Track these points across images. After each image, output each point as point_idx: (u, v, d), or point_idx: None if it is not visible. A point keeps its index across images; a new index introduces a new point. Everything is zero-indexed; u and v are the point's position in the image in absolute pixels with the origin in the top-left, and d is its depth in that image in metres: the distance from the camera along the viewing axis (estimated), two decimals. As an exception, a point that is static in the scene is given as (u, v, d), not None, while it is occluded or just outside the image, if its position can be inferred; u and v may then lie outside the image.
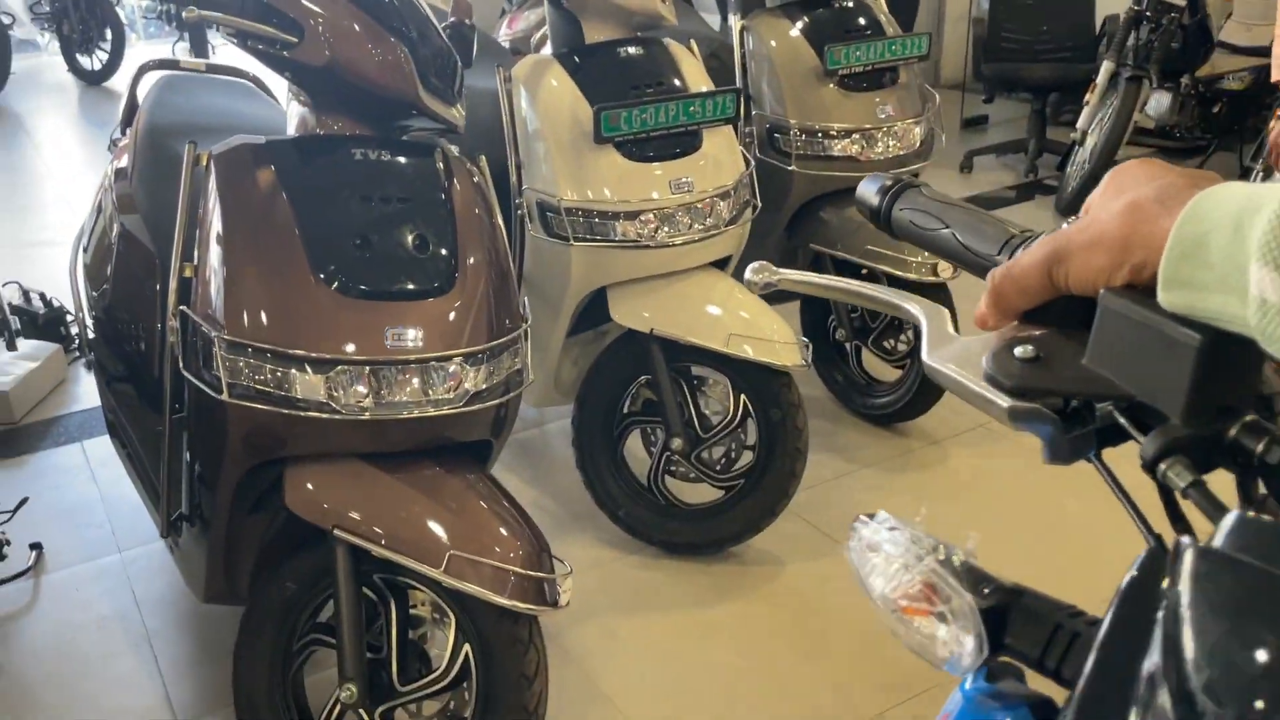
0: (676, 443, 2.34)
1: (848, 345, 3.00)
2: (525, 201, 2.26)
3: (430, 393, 1.61)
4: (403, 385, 1.59)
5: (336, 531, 1.59)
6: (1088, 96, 4.57)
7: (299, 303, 1.56)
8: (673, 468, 2.46)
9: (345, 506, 1.60)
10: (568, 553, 2.06)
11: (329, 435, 1.59)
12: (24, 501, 2.57)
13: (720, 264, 2.40)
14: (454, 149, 1.85)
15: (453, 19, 2.05)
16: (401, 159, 1.72)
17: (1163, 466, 0.51)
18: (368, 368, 1.56)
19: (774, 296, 3.11)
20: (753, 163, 2.39)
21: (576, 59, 2.25)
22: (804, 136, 2.71)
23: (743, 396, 2.37)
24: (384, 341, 1.57)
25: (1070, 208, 4.59)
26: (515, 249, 2.35)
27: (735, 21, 2.80)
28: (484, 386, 1.67)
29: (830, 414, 3.07)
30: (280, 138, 1.70)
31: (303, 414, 1.55)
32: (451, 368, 1.63)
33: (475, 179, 1.81)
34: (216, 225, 1.63)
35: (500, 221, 1.82)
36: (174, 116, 2.24)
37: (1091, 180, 4.50)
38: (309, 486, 1.62)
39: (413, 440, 1.66)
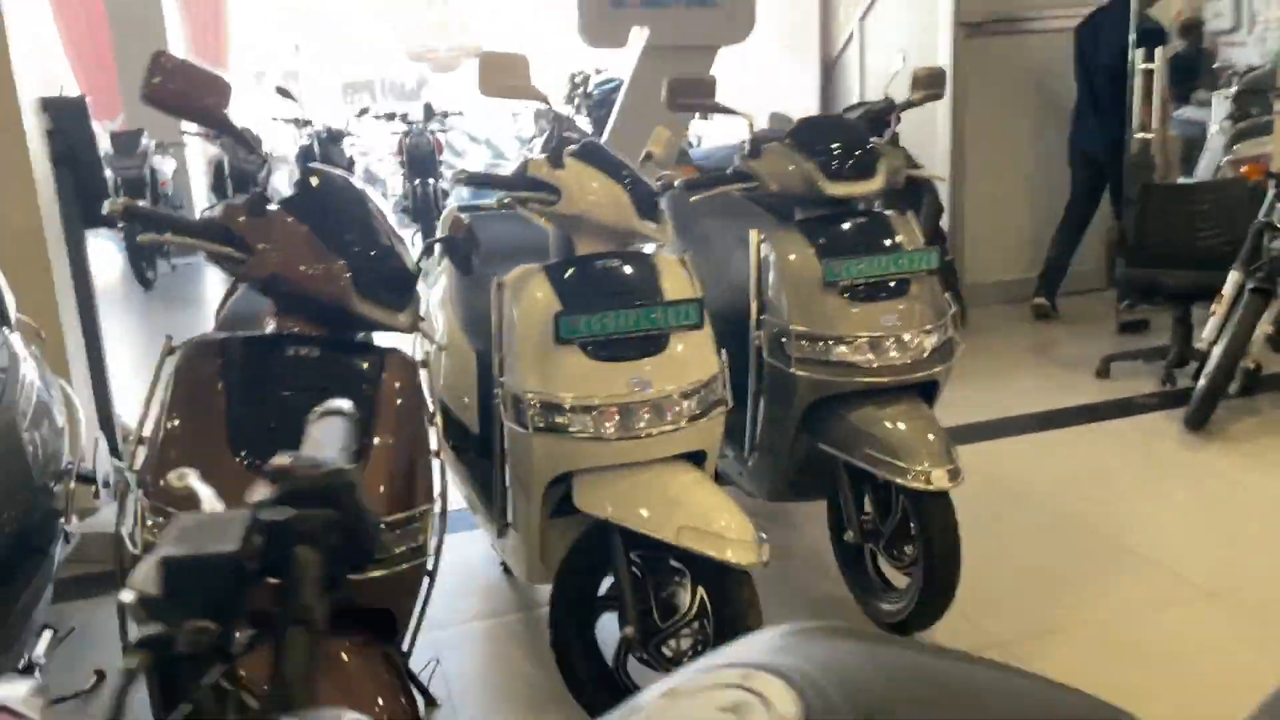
0: (628, 630, 2.43)
1: (864, 548, 2.99)
2: (503, 392, 2.50)
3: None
4: None
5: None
6: (1214, 307, 4.37)
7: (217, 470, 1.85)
8: (640, 654, 2.53)
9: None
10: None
11: None
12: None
13: (697, 459, 2.52)
14: (405, 351, 2.13)
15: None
16: (333, 355, 2.01)
17: None
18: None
19: (805, 491, 3.16)
20: (723, 363, 2.53)
21: (563, 269, 2.51)
22: (804, 342, 2.82)
23: (699, 590, 2.43)
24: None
25: (1193, 421, 4.33)
26: (497, 434, 2.59)
27: (753, 236, 2.99)
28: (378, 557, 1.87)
29: (855, 617, 3.03)
30: (234, 335, 2.04)
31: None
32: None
33: (413, 378, 2.07)
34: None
35: (426, 418, 2.06)
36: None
37: (1208, 396, 4.26)
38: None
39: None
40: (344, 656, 1.86)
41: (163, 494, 1.84)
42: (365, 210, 2.14)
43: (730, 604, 2.38)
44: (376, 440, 1.94)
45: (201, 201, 9.46)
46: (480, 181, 2.47)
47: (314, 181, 2.09)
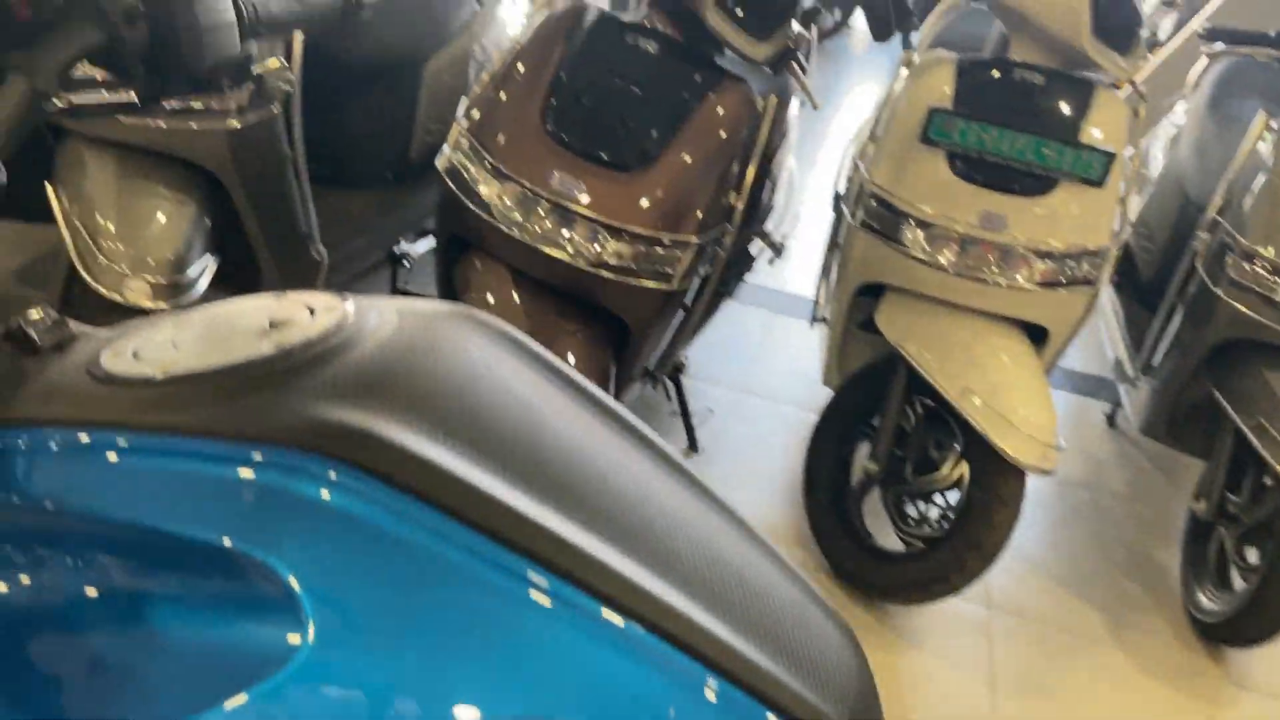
0: (870, 465, 2.25)
1: (1215, 528, 2.44)
2: (854, 174, 2.29)
3: (565, 242, 1.88)
4: (546, 221, 1.89)
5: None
6: None
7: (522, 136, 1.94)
8: (883, 497, 2.35)
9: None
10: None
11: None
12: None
13: (1037, 335, 2.18)
14: (751, 87, 2.02)
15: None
16: (667, 59, 1.96)
17: None
18: (529, 194, 1.89)
19: (1184, 440, 2.62)
20: (1116, 239, 2.09)
21: (977, 67, 2.18)
22: (1255, 267, 2.23)
23: (964, 465, 2.16)
24: (548, 181, 1.88)
25: None
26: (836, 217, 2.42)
27: (1260, 119, 2.35)
28: (618, 263, 1.89)
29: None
30: (595, 9, 2.05)
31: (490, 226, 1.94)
32: (593, 231, 1.87)
33: (746, 111, 1.97)
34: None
35: (754, 158, 1.97)
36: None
37: None
38: (470, 275, 2.01)
39: (553, 276, 1.95)
40: (560, 340, 1.93)
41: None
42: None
43: (988, 497, 2.10)
44: (667, 152, 1.90)
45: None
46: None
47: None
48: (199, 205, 2.08)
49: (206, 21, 0.74)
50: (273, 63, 2.06)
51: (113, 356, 0.59)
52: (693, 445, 2.74)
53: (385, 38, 2.59)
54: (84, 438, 0.52)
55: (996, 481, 2.09)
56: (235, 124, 2.00)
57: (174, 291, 1.99)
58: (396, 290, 2.95)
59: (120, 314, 1.97)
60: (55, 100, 0.66)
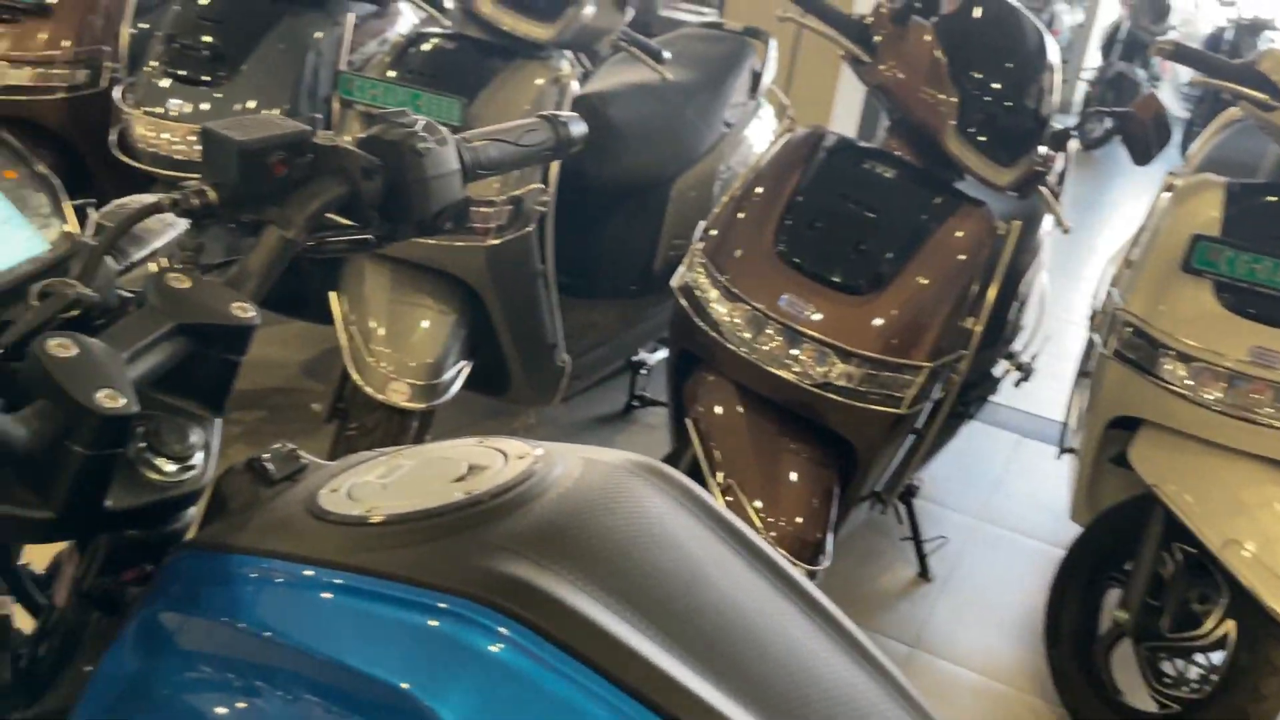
0: (1121, 614, 2.07)
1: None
2: (1107, 300, 2.17)
3: (793, 362, 1.89)
4: (774, 341, 1.90)
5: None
6: None
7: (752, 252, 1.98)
8: (1137, 649, 2.15)
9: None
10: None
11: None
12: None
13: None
14: (990, 211, 1.98)
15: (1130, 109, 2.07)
16: (904, 184, 1.95)
17: None
18: (759, 314, 1.92)
19: None
20: None
21: (1253, 192, 2.03)
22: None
23: (1229, 623, 1.96)
24: (778, 302, 1.91)
25: None
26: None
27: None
28: (845, 385, 1.87)
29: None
30: (844, 139, 2.08)
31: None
32: (821, 353, 1.87)
33: (986, 235, 1.93)
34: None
35: (996, 280, 1.92)
36: None
37: None
38: (699, 392, 2.05)
39: (780, 395, 1.95)
40: (784, 459, 1.93)
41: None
42: (1020, 50, 1.97)
43: (1257, 662, 1.89)
44: (902, 275, 1.88)
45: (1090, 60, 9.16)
46: (1191, 59, 2.06)
47: (977, 8, 1.98)
48: (459, 315, 2.26)
49: (434, 172, 0.83)
50: (531, 186, 2.23)
51: (330, 494, 0.66)
52: (924, 573, 2.63)
53: (637, 160, 2.73)
54: (299, 572, 0.58)
55: (1267, 645, 1.88)
56: (494, 241, 2.17)
57: (430, 394, 2.15)
58: (634, 396, 3.05)
59: (383, 411, 2.15)
60: (305, 243, 0.76)
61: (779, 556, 0.66)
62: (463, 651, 0.52)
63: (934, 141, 1.95)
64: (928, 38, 1.94)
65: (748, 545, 0.65)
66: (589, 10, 2.27)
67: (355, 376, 2.12)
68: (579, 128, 1.00)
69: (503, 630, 0.52)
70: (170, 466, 0.66)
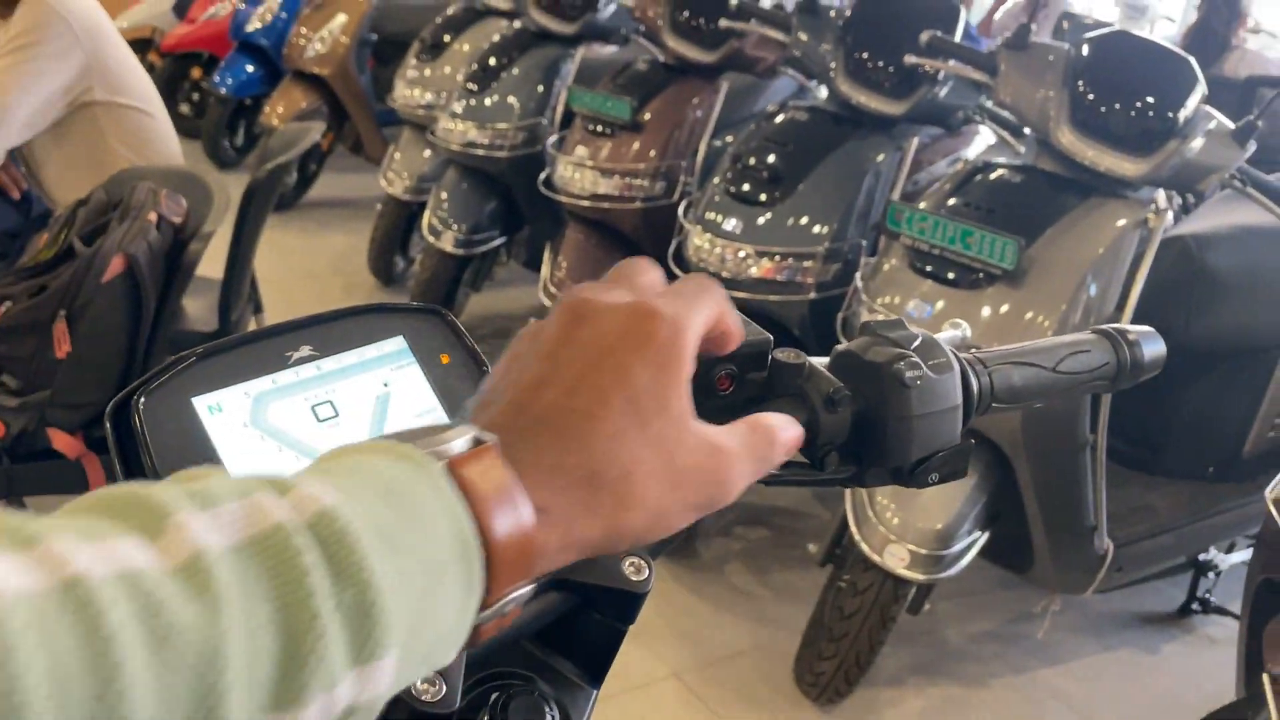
0: None
1: None
2: None
3: None
4: None
5: None
6: None
7: None
8: None
9: None
10: None
11: None
12: None
13: None
14: None
15: None
16: None
17: None
18: None
19: None
20: None
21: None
22: None
23: None
24: None
25: None
26: None
27: None
28: None
29: None
30: None
31: None
32: None
33: None
34: None
35: None
36: None
37: None
38: None
39: None
40: None
41: None
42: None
43: None
44: None
45: None
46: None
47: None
48: (982, 478, 1.98)
49: (922, 410, 0.61)
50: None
51: None
52: None
53: (1240, 317, 2.24)
54: None
55: None
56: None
57: (933, 565, 1.90)
58: (1194, 599, 2.49)
59: (878, 572, 1.95)
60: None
61: None
62: None
63: None
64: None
65: None
66: (1195, 144, 1.89)
67: (853, 530, 1.94)
68: (1154, 348, 0.71)
69: None
70: None
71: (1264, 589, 1.66)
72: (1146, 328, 0.73)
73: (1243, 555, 2.38)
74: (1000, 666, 2.30)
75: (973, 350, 0.66)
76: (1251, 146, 1.95)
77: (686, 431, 0.42)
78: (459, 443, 0.37)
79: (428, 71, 3.65)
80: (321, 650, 0.30)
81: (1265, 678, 1.53)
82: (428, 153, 3.58)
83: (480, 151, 3.24)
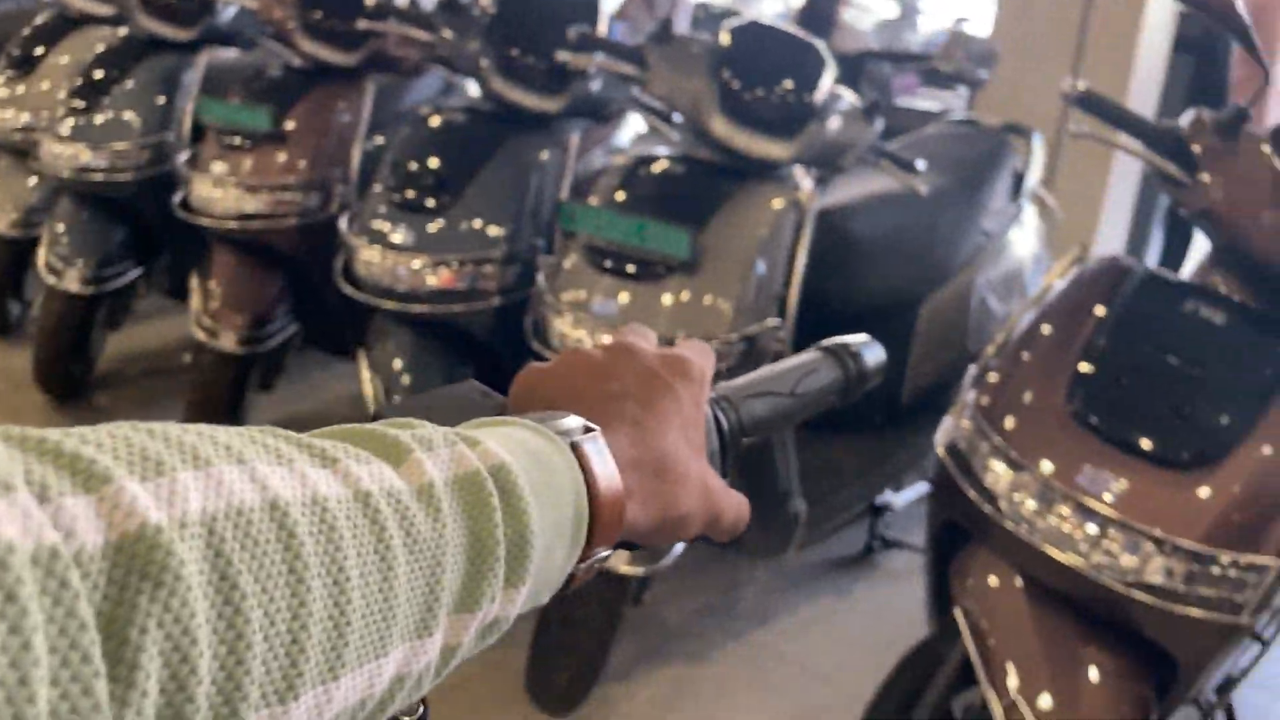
0: None
1: None
2: None
3: (1091, 552, 1.53)
4: (1066, 524, 1.55)
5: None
6: None
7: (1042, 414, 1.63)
8: None
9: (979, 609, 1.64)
10: None
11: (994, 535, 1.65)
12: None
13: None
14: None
15: None
16: (1240, 330, 1.56)
17: None
18: (1046, 488, 1.57)
19: None
20: None
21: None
22: None
23: None
24: (1072, 474, 1.55)
25: None
26: None
27: None
28: (1162, 584, 1.50)
29: None
30: (1141, 267, 1.71)
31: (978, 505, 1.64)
32: (1131, 540, 1.51)
33: None
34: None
35: None
36: None
37: None
38: (969, 576, 1.70)
39: (1075, 590, 1.59)
40: (1083, 667, 1.57)
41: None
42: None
43: None
44: (1242, 448, 1.49)
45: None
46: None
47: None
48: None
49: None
50: (769, 322, 1.98)
51: None
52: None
53: (882, 279, 2.44)
54: None
55: None
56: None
57: (653, 556, 1.92)
58: (875, 537, 2.71)
59: (603, 577, 1.93)
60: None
61: None
62: None
63: (1273, 275, 1.56)
64: (1265, 150, 1.56)
65: None
66: (833, 124, 2.02)
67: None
68: (874, 355, 0.72)
69: None
70: None
71: (944, 531, 1.82)
72: (864, 336, 0.73)
73: (912, 493, 2.61)
74: (721, 636, 2.38)
75: (715, 393, 0.63)
76: (881, 122, 2.12)
77: (704, 459, 0.54)
78: (575, 427, 0.46)
79: (20, 89, 3.19)
80: (494, 569, 0.40)
81: (958, 611, 1.67)
82: (32, 181, 3.14)
83: (99, 176, 2.88)
